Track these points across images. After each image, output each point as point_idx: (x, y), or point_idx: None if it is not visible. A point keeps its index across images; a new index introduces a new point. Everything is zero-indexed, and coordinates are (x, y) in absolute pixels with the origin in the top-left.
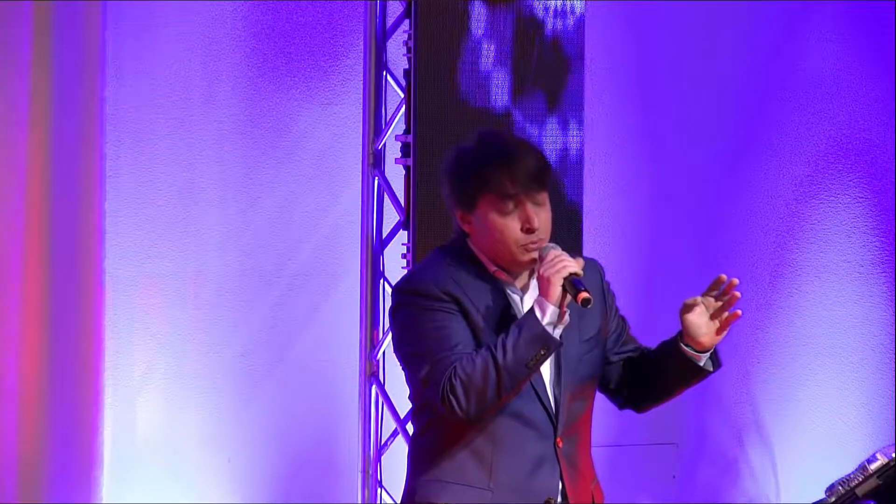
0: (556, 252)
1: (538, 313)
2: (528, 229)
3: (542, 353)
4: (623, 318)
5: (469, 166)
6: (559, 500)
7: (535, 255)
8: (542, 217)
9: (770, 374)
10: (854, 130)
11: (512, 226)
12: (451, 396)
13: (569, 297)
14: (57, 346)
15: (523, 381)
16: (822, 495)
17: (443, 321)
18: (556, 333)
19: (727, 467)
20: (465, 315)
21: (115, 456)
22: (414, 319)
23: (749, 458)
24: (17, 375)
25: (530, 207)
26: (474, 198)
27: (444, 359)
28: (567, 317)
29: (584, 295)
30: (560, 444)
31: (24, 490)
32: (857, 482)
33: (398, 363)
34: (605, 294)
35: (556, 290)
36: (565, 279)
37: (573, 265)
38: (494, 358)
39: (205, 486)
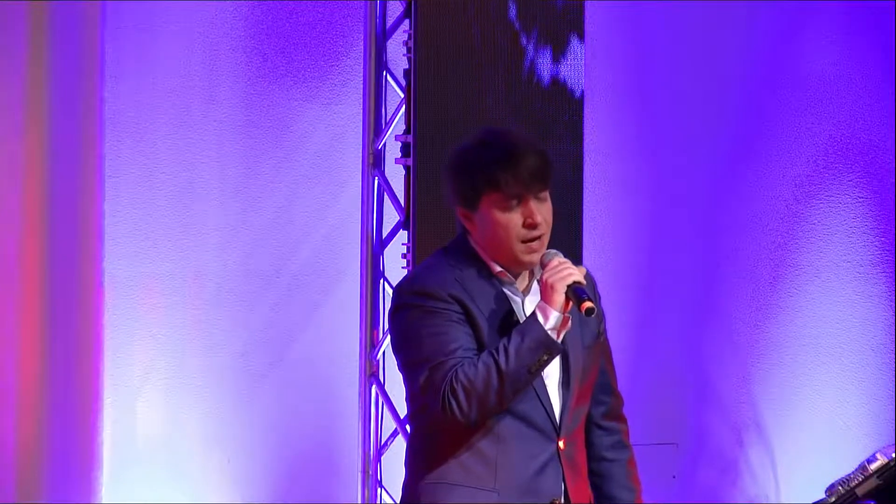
0: (559, 259)
1: (540, 318)
2: (531, 224)
3: (545, 357)
4: (607, 345)
5: (473, 165)
6: (562, 501)
7: (537, 256)
8: (543, 212)
9: (770, 374)
10: (854, 130)
11: (514, 221)
12: (453, 401)
13: (570, 305)
14: (56, 347)
15: (524, 386)
16: (822, 495)
17: (443, 325)
18: (558, 339)
19: (727, 467)
20: (468, 316)
21: (115, 456)
22: (415, 322)
23: (749, 458)
24: (16, 376)
25: (533, 203)
26: (477, 196)
27: (443, 364)
28: (569, 323)
29: (588, 304)
30: (563, 447)
31: (24, 490)
32: (857, 482)
33: (397, 365)
34: (598, 306)
35: (560, 296)
36: (568, 287)
37: (577, 273)
38: (497, 362)
39: (205, 486)
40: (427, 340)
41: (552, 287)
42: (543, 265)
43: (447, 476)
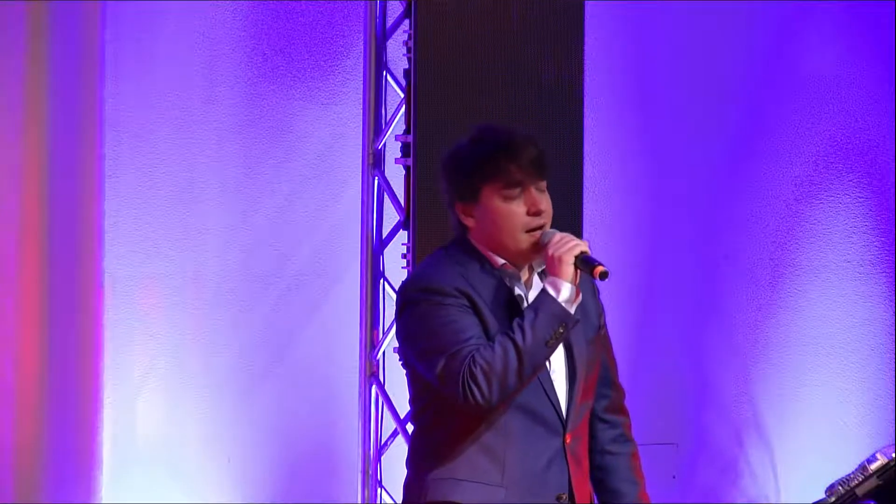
0: (561, 234)
1: (552, 292)
2: (535, 212)
3: (561, 330)
4: (608, 338)
5: (471, 158)
6: (567, 496)
7: (537, 237)
8: (545, 202)
9: (770, 374)
10: (854, 130)
11: (518, 211)
12: (473, 385)
13: (579, 276)
14: (56, 346)
15: (543, 362)
16: (822, 495)
17: (454, 314)
18: (571, 310)
19: (727, 467)
20: (475, 309)
21: (115, 456)
22: (424, 316)
23: (749, 458)
24: (15, 375)
25: (535, 192)
26: (478, 188)
27: (459, 351)
28: (580, 295)
29: (601, 268)
30: (568, 442)
31: (23, 490)
32: (857, 482)
33: (400, 363)
34: (597, 300)
35: (570, 267)
36: (577, 257)
37: (583, 244)
38: (513, 340)
39: (205, 486)
40: (440, 331)
41: (560, 259)
42: (544, 244)
43: (454, 472)
